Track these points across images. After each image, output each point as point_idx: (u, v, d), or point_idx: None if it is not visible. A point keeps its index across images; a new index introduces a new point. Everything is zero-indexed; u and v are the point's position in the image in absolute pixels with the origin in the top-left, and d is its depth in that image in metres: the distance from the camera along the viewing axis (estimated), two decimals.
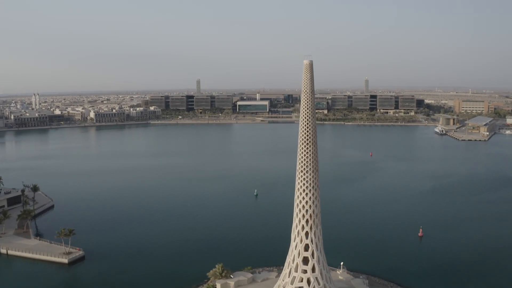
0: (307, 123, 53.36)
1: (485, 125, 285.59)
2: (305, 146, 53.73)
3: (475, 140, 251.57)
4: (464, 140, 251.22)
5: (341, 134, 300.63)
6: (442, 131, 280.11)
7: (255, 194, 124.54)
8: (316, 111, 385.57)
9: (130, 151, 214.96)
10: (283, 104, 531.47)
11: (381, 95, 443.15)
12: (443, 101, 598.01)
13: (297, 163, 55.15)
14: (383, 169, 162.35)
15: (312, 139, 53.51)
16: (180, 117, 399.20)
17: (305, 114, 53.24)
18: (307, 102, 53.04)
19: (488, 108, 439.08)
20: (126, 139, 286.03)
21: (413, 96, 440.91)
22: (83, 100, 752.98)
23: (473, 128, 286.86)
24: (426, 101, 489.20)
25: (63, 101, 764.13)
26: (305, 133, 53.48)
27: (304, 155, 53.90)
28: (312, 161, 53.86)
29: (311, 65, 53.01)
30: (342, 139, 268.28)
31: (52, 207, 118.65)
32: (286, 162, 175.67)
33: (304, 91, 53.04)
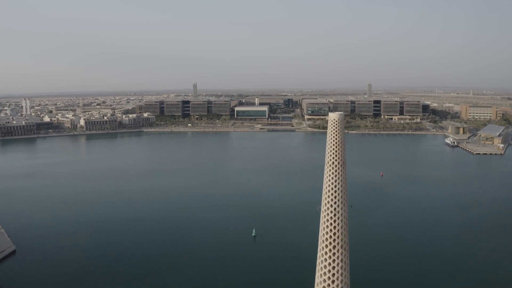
0: (335, 217, 34.66)
1: (499, 135, 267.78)
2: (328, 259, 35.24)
3: (490, 154, 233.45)
4: (479, 153, 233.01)
5: (345, 145, 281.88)
6: (454, 142, 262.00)
7: (253, 234, 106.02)
8: (318, 117, 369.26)
9: (117, 168, 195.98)
10: (283, 109, 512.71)
11: (386, 101, 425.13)
12: (446, 104, 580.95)
13: (318, 264, 36.22)
14: (398, 195, 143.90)
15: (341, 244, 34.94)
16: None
17: (333, 199, 34.66)
18: (338, 176, 34.47)
19: (496, 114, 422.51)
20: (116, 151, 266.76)
21: (418, 101, 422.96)
22: (79, 103, 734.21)
23: (486, 139, 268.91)
24: (429, 104, 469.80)
25: (57, 103, 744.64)
26: (329, 232, 34.90)
27: (329, 257, 35.26)
28: (342, 266, 35.27)
29: (341, 120, 34.60)
30: (347, 152, 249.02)
31: (13, 253, 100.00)
32: (287, 184, 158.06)
33: (330, 162, 34.55)
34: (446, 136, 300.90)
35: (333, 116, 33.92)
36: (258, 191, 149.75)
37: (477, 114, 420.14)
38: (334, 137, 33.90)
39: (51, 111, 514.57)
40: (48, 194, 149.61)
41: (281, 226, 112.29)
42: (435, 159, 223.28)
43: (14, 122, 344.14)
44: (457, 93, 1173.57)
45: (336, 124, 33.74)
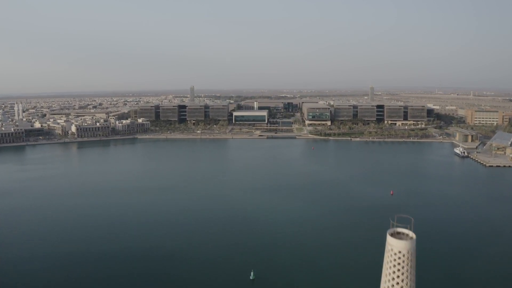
0: None
1: (511, 145, 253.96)
2: None
3: (504, 166, 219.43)
4: (492, 166, 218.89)
5: (348, 155, 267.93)
6: (464, 152, 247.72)
7: (251, 278, 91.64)
8: (319, 122, 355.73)
9: (103, 185, 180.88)
10: (282, 113, 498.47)
11: (389, 105, 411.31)
12: (448, 107, 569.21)
13: None
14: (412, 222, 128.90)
15: None
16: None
17: None
18: None
19: (503, 118, 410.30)
20: (106, 163, 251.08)
21: (423, 106, 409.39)
22: (74, 105, 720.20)
23: (498, 148, 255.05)
24: (430, 107, 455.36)
25: (53, 105, 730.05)
26: None
27: None
28: None
29: (412, 252, 19.74)
30: (351, 163, 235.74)
31: None
32: (289, 206, 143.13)
33: None
34: (454, 144, 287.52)
35: (398, 246, 20.34)
36: (257, 216, 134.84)
37: (483, 119, 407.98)
38: (397, 282, 19.37)
39: (44, 115, 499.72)
40: (27, 218, 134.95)
41: (286, 265, 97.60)
42: (447, 172, 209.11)
43: (3, 129, 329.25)
44: (457, 94, 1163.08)
45: (404, 261, 19.28)
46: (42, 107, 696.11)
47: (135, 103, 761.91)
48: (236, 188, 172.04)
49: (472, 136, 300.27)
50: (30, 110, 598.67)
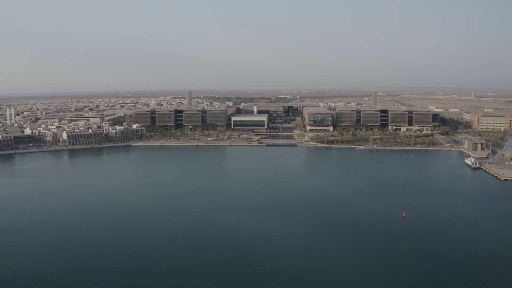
0: None
1: None
2: None
3: None
4: (507, 179, 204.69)
5: (353, 166, 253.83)
6: (475, 163, 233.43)
7: None
8: (320, 128, 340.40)
9: (89, 204, 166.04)
10: (283, 117, 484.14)
11: (393, 110, 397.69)
12: (451, 110, 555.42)
13: None
14: (431, 255, 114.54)
15: None
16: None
17: None
18: None
19: (510, 123, 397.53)
20: (96, 175, 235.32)
21: (428, 111, 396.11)
22: (71, 108, 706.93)
23: (511, 159, 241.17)
24: (434, 111, 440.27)
25: (49, 107, 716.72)
26: None
27: None
28: None
29: None
30: (357, 176, 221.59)
31: None
32: (292, 232, 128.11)
33: None
34: (463, 153, 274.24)
35: None
36: (255, 246, 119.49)
37: (490, 125, 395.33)
38: None
39: (38, 119, 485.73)
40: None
41: None
42: (460, 187, 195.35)
43: None
44: (458, 95, 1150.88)
45: None
46: (38, 109, 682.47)
47: (133, 105, 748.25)
48: (231, 208, 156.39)
49: (482, 144, 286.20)
50: (24, 112, 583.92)
